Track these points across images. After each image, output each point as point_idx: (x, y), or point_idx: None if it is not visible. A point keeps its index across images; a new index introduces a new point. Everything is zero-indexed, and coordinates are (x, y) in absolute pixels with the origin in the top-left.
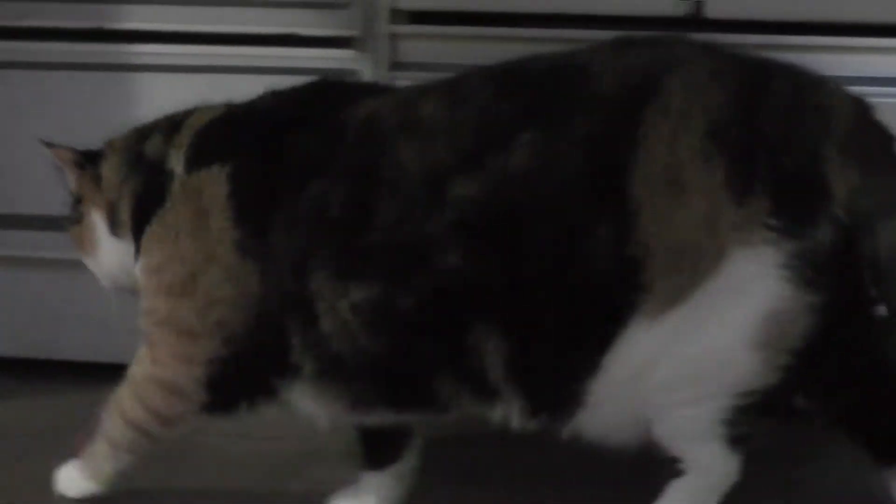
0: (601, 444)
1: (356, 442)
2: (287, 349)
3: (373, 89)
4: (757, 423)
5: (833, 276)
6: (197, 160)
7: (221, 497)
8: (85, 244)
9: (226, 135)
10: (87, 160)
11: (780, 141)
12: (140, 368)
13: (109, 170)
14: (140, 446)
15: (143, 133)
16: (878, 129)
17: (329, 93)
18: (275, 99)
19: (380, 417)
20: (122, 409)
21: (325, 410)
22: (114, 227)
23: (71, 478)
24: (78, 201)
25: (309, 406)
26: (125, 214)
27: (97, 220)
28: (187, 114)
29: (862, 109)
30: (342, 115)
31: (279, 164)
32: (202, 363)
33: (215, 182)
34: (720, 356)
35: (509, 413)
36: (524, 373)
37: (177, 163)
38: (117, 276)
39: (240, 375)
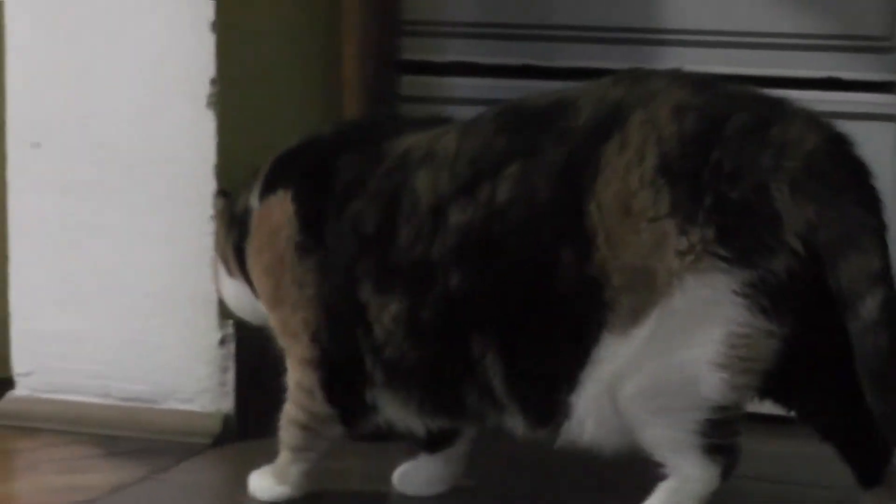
0: (595, 451)
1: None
2: (362, 358)
3: (429, 123)
4: (735, 435)
5: (794, 306)
6: (267, 190)
7: None
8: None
9: (289, 164)
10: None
11: (728, 175)
12: (289, 376)
13: (216, 232)
14: (314, 445)
15: (234, 194)
16: (846, 165)
17: (382, 124)
18: (333, 129)
19: (444, 424)
20: (287, 414)
21: (407, 419)
22: (230, 272)
23: (263, 483)
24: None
25: (396, 416)
26: (233, 263)
27: (219, 266)
28: (266, 162)
29: (832, 144)
30: (385, 144)
31: (328, 184)
32: (311, 364)
33: (282, 203)
34: (684, 373)
35: (516, 424)
36: (517, 387)
37: (253, 199)
38: (246, 311)
39: (339, 382)
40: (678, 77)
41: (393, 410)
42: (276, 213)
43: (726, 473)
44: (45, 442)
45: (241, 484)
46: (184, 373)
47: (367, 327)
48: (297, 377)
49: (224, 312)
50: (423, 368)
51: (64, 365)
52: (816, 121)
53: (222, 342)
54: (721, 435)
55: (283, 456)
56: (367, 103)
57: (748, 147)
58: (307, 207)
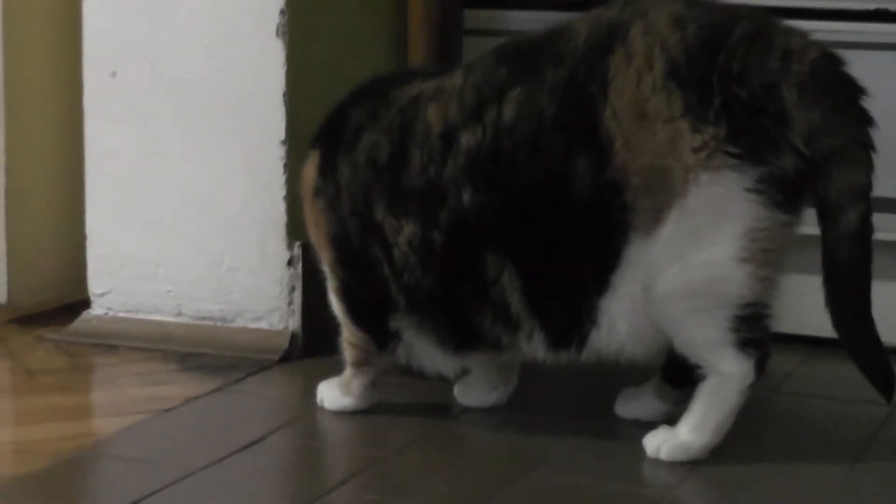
0: (620, 358)
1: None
2: (385, 285)
3: (437, 72)
4: (765, 328)
5: (802, 200)
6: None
7: None
8: None
9: (319, 127)
10: None
11: (737, 76)
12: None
13: None
14: (368, 361)
15: None
16: (846, 80)
17: (392, 77)
18: (357, 86)
19: (462, 356)
20: (343, 334)
21: (430, 352)
22: None
23: (330, 393)
24: None
25: (421, 347)
26: None
27: None
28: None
29: (830, 60)
30: (395, 91)
31: (340, 131)
32: (337, 294)
33: (310, 159)
34: (711, 271)
35: (535, 346)
36: (538, 301)
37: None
38: None
39: (363, 309)
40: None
41: (416, 340)
42: (307, 169)
43: (760, 366)
44: (122, 358)
45: (308, 395)
46: (253, 292)
47: (388, 253)
48: (335, 304)
49: (292, 233)
50: (438, 292)
51: (139, 285)
52: (810, 38)
53: (290, 263)
54: (752, 329)
55: (347, 370)
56: (432, 35)
57: (754, 51)
58: (323, 154)
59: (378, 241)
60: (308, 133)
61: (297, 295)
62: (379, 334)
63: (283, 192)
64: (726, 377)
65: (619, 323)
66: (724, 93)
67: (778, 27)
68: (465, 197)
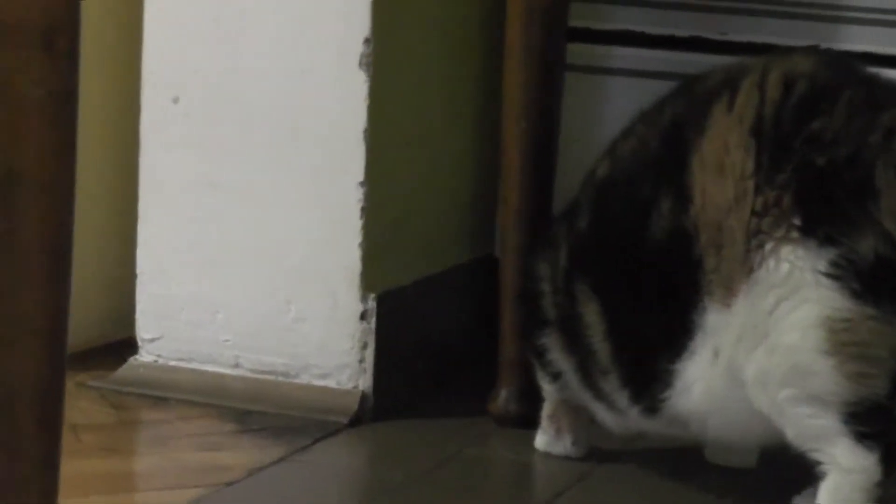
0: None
1: None
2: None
3: None
4: (886, 421)
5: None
6: None
7: None
8: None
9: None
10: None
11: (824, 144)
12: None
13: None
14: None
15: None
16: None
17: None
18: None
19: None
20: None
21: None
22: None
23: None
24: None
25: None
26: None
27: None
28: None
29: None
30: None
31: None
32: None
33: None
34: (794, 358)
35: (621, 399)
36: (618, 344)
37: None
38: None
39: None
40: (811, 50)
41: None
42: None
43: (888, 463)
44: (174, 413)
45: (381, 465)
46: (321, 346)
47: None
48: None
49: (367, 284)
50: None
51: (194, 332)
52: None
53: (363, 316)
54: (867, 422)
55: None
56: (530, 70)
57: (855, 122)
58: None
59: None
60: (389, 174)
61: (370, 352)
62: (542, 362)
63: (358, 239)
64: (848, 472)
65: (696, 385)
66: (801, 158)
67: (893, 98)
68: (582, 223)
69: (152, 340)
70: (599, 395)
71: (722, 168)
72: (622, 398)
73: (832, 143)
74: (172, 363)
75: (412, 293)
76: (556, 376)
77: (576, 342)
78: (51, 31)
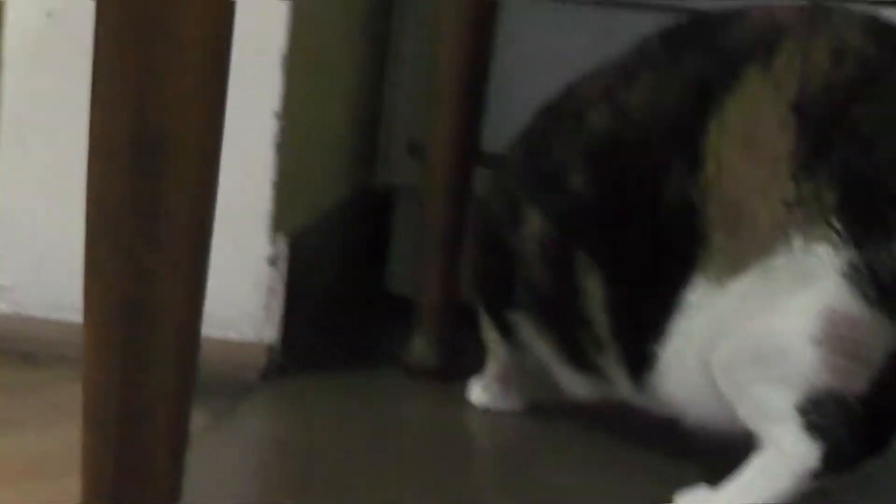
0: (682, 418)
1: None
2: (511, 274)
3: None
4: (842, 422)
5: None
6: None
7: None
8: None
9: None
10: None
11: (865, 139)
12: None
13: None
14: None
15: None
16: None
17: None
18: None
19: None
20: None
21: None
22: None
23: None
24: None
25: (537, 349)
26: None
27: None
28: None
29: None
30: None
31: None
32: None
33: None
34: (781, 341)
35: (620, 376)
36: (618, 319)
37: None
38: None
39: (491, 290)
40: (858, 16)
41: (538, 346)
42: None
43: (830, 462)
44: (53, 375)
45: (304, 427)
46: (223, 295)
47: (520, 244)
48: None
49: (277, 226)
50: (546, 291)
51: (68, 279)
52: None
53: (272, 262)
54: (824, 415)
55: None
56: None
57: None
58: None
59: (516, 230)
60: (307, 106)
61: (278, 300)
62: (502, 324)
63: (271, 176)
64: (784, 455)
65: (670, 375)
66: (845, 152)
67: None
68: (576, 181)
69: (12, 288)
70: (588, 368)
71: (750, 140)
72: (620, 376)
73: (877, 141)
74: (34, 313)
75: (320, 234)
76: (519, 342)
77: (564, 312)
78: None
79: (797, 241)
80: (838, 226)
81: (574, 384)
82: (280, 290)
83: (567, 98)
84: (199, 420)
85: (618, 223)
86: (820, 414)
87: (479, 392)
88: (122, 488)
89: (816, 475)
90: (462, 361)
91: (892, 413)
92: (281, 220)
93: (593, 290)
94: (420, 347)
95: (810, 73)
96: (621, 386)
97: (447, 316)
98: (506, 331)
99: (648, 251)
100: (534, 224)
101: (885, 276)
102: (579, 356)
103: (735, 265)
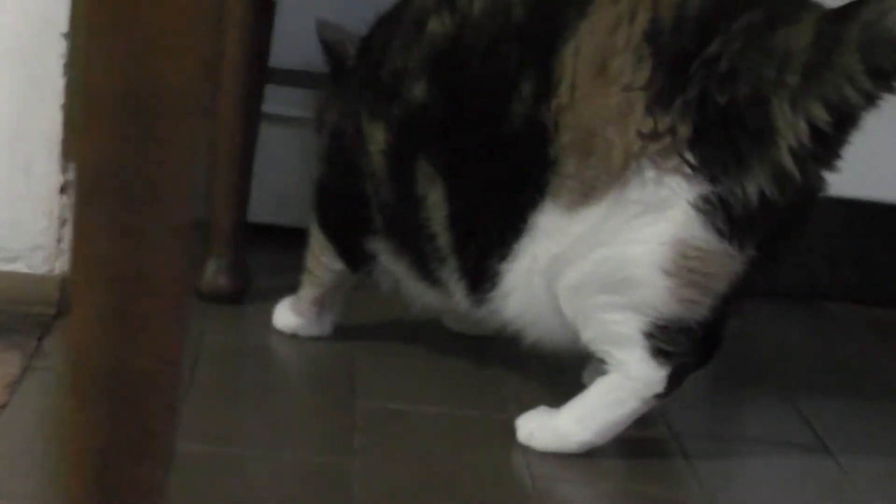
0: (524, 335)
1: None
2: (367, 200)
3: None
4: (686, 348)
5: (760, 233)
6: None
7: None
8: None
9: None
10: None
11: (722, 75)
12: None
13: None
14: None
15: None
16: None
17: None
18: None
19: (428, 292)
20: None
21: (408, 281)
22: None
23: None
24: None
25: (396, 272)
26: None
27: None
28: None
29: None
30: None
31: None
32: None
33: None
34: (630, 271)
35: (459, 290)
36: (460, 236)
37: None
38: None
39: (340, 223)
40: None
41: (395, 268)
42: None
43: (673, 381)
44: None
45: None
46: (11, 225)
47: (369, 164)
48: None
49: (69, 152)
50: (396, 207)
51: None
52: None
53: (63, 189)
54: (670, 341)
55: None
56: None
57: (751, 50)
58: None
59: (363, 150)
60: None
61: (70, 231)
62: (351, 253)
63: (60, 99)
64: (631, 379)
65: (513, 295)
66: (701, 87)
67: (793, 14)
68: (416, 90)
69: None
70: (433, 281)
71: (604, 68)
72: (459, 289)
73: (731, 77)
74: None
75: None
76: (359, 265)
77: (410, 224)
78: None
79: (650, 173)
80: (692, 159)
81: (426, 297)
82: (71, 220)
83: (405, 8)
84: (13, 362)
85: (461, 133)
86: (666, 340)
87: (288, 316)
88: None
89: (658, 397)
90: (252, 285)
91: (718, 330)
92: (74, 147)
93: (435, 201)
94: (213, 270)
95: (662, 2)
96: (460, 300)
97: (239, 238)
98: (352, 257)
99: (494, 168)
100: (378, 138)
101: (737, 209)
102: (425, 269)
103: (587, 193)
